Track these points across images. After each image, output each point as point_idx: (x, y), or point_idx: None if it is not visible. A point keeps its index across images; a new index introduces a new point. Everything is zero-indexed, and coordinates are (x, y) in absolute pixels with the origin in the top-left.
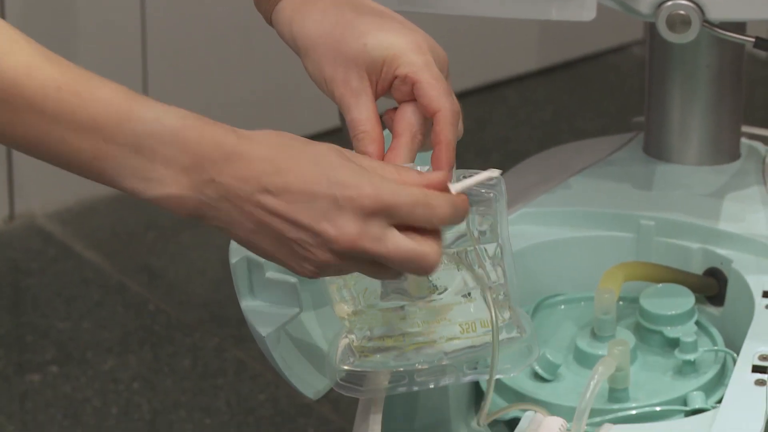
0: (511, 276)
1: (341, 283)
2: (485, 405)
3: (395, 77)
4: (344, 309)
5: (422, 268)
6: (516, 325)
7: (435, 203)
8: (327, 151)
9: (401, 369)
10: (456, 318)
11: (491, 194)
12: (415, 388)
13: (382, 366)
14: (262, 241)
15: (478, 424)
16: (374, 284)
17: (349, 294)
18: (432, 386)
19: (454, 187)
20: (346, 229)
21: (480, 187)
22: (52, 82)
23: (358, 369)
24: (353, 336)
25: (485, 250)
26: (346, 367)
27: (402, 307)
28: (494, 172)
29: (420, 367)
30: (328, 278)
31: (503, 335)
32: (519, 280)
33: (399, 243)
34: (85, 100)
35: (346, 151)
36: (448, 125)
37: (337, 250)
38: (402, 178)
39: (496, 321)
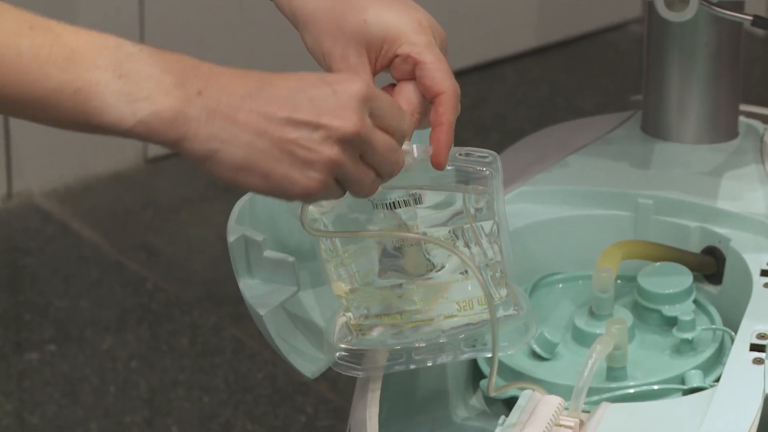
0: (508, 253)
1: (338, 261)
2: (491, 379)
3: (396, 56)
4: (341, 287)
5: (398, 164)
6: (513, 303)
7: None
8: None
9: (399, 347)
10: (453, 296)
11: (487, 171)
12: (413, 366)
13: (380, 344)
14: (260, 155)
15: (488, 393)
16: (371, 263)
17: (346, 272)
18: (430, 364)
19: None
20: (348, 118)
21: (476, 165)
22: (24, 22)
23: (356, 347)
24: (350, 314)
25: (482, 227)
26: (343, 346)
27: (399, 285)
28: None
29: (418, 345)
30: (325, 257)
31: (500, 313)
32: (517, 259)
33: (382, 134)
34: (61, 34)
35: None
36: (451, 107)
37: (341, 140)
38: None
39: (491, 298)
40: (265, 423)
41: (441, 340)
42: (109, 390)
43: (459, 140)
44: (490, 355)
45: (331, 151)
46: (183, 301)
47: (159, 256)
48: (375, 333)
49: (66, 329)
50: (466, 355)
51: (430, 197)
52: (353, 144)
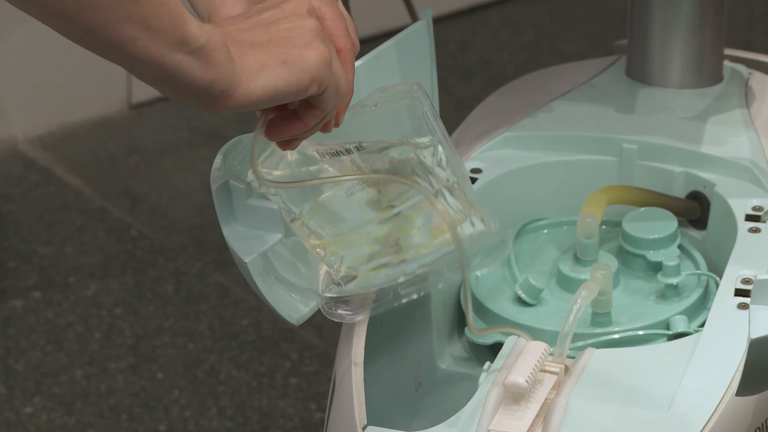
0: (463, 172)
1: (300, 221)
2: (468, 313)
3: None
4: (312, 243)
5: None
6: (482, 218)
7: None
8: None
9: (383, 286)
10: (425, 224)
11: (405, 100)
12: (403, 301)
13: (365, 288)
14: (267, 51)
15: (472, 335)
16: (332, 215)
17: (310, 229)
18: (416, 296)
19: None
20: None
21: (399, 97)
22: None
23: (342, 294)
24: (328, 266)
25: (425, 155)
26: (329, 295)
27: (368, 227)
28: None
29: (401, 279)
30: (288, 218)
31: (470, 230)
32: (501, 205)
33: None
34: None
35: None
36: (349, 65)
37: (309, 10)
38: None
39: (451, 220)
40: (251, 369)
41: (421, 271)
42: (93, 337)
43: (444, 84)
44: (478, 273)
45: (308, 20)
46: (167, 247)
47: (143, 202)
48: (357, 279)
49: (50, 276)
50: (452, 279)
51: (371, 142)
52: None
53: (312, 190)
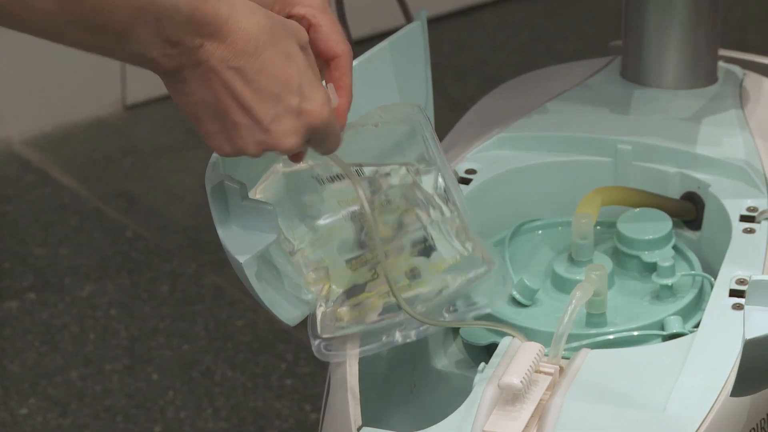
0: (464, 206)
1: (300, 254)
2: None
3: (290, 16)
4: (310, 277)
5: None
6: (482, 257)
7: (339, 137)
8: (296, 47)
9: (381, 323)
10: (422, 263)
11: (407, 126)
12: (399, 341)
13: (361, 327)
14: (205, 112)
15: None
16: (331, 249)
17: (309, 261)
18: (412, 339)
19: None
20: (291, 138)
21: (400, 119)
22: None
23: (338, 334)
24: (324, 306)
25: (423, 182)
26: (327, 336)
27: (364, 261)
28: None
29: (399, 318)
30: (287, 249)
31: (471, 274)
32: (496, 206)
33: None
34: None
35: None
36: (347, 70)
37: (269, 147)
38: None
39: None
40: (246, 370)
41: (418, 308)
42: (89, 338)
43: (439, 86)
44: (478, 313)
45: (253, 148)
46: (163, 248)
47: (139, 203)
48: (352, 317)
49: (45, 277)
50: (449, 321)
51: (371, 165)
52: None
53: (311, 220)
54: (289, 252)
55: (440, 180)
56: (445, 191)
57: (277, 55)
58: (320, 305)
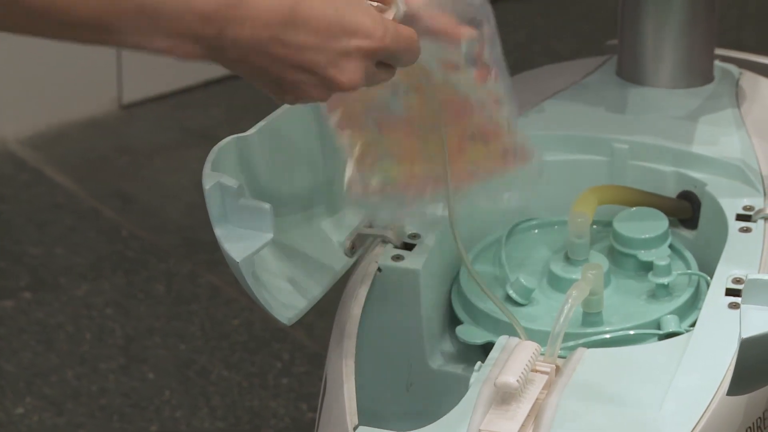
0: (510, 90)
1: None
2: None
3: None
4: (348, 135)
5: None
6: (523, 143)
7: (416, 49)
8: None
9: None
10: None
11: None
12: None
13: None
14: (258, 81)
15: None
16: (381, 103)
17: (355, 116)
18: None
19: None
20: (353, 75)
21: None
22: None
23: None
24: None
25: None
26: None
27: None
28: None
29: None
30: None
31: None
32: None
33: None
34: None
35: None
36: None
37: (338, 91)
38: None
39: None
40: (242, 369)
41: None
42: (84, 337)
43: None
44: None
45: (321, 95)
46: (158, 248)
47: (134, 203)
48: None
49: (41, 276)
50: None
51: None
52: (345, 92)
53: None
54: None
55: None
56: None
57: (307, 5)
58: (350, 167)
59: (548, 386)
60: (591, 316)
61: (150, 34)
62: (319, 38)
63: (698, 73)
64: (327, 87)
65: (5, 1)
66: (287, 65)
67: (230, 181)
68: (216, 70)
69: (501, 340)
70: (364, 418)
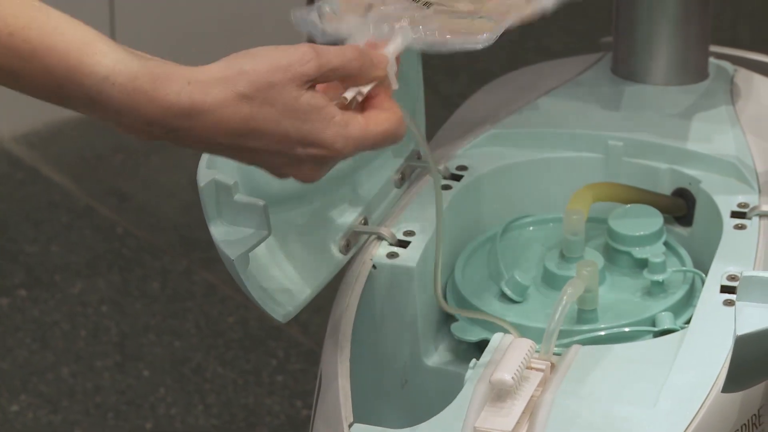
0: None
1: None
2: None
3: None
4: None
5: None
6: None
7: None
8: (293, 92)
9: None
10: None
11: None
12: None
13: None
14: (238, 157)
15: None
16: None
17: None
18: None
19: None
20: (311, 174)
21: None
22: (4, 27)
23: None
24: None
25: None
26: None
27: None
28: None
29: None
30: None
31: None
32: (487, 203)
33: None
34: (37, 48)
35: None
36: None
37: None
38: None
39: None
40: (237, 367)
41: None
42: (80, 335)
43: (430, 82)
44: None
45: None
46: (154, 245)
47: (129, 200)
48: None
49: (36, 274)
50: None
51: None
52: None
53: None
54: None
55: None
56: None
57: (261, 118)
58: None
59: (543, 383)
60: (586, 313)
61: (102, 119)
62: (274, 146)
63: (693, 71)
64: (290, 176)
65: None
66: (245, 161)
67: (225, 179)
68: None
69: (496, 338)
70: (359, 416)
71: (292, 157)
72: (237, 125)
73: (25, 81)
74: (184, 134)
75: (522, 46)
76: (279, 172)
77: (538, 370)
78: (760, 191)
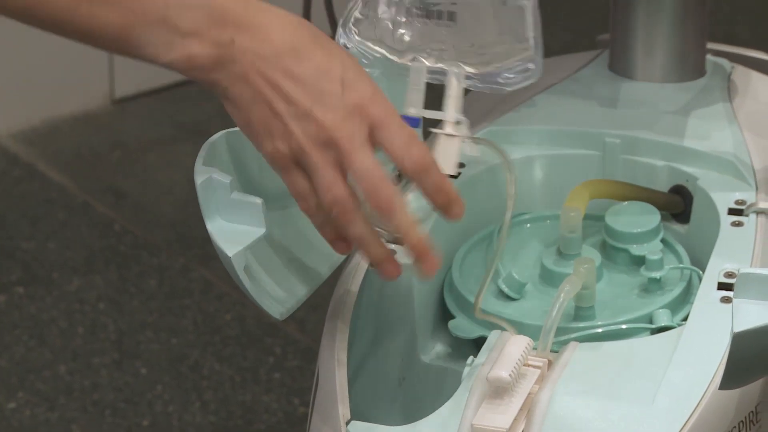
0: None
1: None
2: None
3: None
4: None
5: (376, 193)
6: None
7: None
8: (339, 48)
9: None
10: None
11: None
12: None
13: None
14: (249, 111)
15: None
16: None
17: None
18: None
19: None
20: (337, 121)
21: None
22: None
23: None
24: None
25: None
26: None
27: None
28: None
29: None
30: None
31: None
32: (484, 200)
33: (368, 157)
34: None
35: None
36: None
37: (314, 136)
38: None
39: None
40: (234, 364)
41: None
42: (77, 332)
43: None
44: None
45: (301, 139)
46: (151, 243)
47: (127, 198)
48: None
49: (33, 271)
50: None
51: None
52: (325, 145)
53: None
54: None
55: None
56: None
57: (310, 48)
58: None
59: (541, 380)
60: (583, 310)
61: (167, 36)
62: (316, 76)
63: (690, 68)
64: (307, 127)
65: (27, 8)
66: (278, 94)
67: (222, 176)
68: None
69: (493, 335)
70: (357, 413)
71: (324, 92)
72: (291, 41)
73: None
74: (244, 41)
75: None
76: (305, 110)
77: (535, 367)
78: (757, 188)
